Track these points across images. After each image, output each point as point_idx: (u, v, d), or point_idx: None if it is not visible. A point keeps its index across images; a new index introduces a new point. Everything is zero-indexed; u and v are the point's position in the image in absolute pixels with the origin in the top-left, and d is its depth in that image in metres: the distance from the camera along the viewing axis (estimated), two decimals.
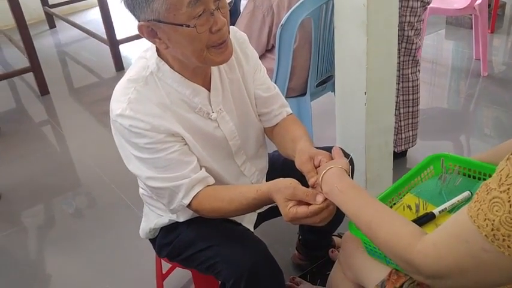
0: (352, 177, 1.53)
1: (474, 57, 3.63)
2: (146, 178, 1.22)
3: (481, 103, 3.19)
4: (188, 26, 1.07)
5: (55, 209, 2.54)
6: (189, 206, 1.24)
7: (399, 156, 2.50)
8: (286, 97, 2.19)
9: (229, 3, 1.17)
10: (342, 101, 1.95)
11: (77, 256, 2.18)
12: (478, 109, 3.14)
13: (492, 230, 0.70)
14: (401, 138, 2.42)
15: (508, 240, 0.69)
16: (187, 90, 1.23)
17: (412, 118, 2.42)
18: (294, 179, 1.13)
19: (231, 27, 1.36)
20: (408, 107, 2.37)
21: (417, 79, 2.34)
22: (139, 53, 1.27)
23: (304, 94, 2.23)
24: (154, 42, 1.16)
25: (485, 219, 0.71)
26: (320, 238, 1.83)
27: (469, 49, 3.78)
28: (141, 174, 1.23)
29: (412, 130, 2.44)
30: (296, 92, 2.22)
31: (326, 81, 2.31)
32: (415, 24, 2.16)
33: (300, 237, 1.90)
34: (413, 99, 2.37)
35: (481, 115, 3.08)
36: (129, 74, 1.22)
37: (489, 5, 3.33)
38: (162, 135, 1.17)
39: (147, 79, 1.20)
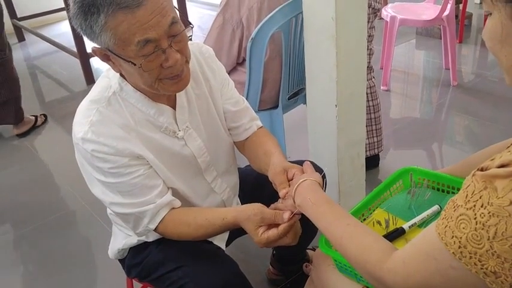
0: (325, 191, 1.54)
1: (444, 67, 3.69)
2: (110, 203, 1.20)
3: (451, 112, 3.23)
4: (134, 64, 1.05)
5: (25, 227, 2.48)
6: (155, 230, 1.23)
7: (371, 167, 2.51)
8: (258, 110, 2.18)
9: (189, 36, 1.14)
10: (314, 113, 1.95)
11: (48, 275, 2.12)
12: (449, 118, 3.18)
13: (459, 247, 0.70)
14: (366, 144, 2.45)
15: (475, 258, 0.69)
16: (152, 109, 1.21)
17: (376, 124, 2.45)
18: (259, 204, 1.14)
19: (196, 42, 1.35)
20: (370, 113, 2.40)
21: (374, 85, 2.39)
22: (103, 72, 1.25)
23: (276, 107, 2.22)
24: (109, 64, 1.13)
25: (453, 236, 0.71)
26: (294, 252, 1.82)
27: (439, 59, 3.84)
28: (105, 199, 1.20)
29: (377, 136, 2.47)
30: (268, 104, 2.21)
31: (298, 94, 2.31)
32: (368, 30, 2.20)
33: (274, 252, 1.88)
34: (373, 105, 2.40)
35: (452, 124, 3.12)
36: (91, 95, 1.19)
37: (456, 16, 3.40)
38: (126, 159, 1.15)
39: (109, 99, 1.17)
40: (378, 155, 2.57)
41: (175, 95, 1.25)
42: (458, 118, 3.16)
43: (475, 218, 0.68)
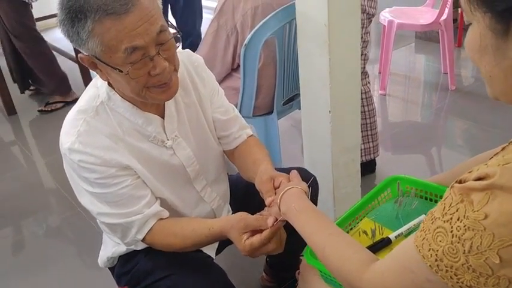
0: (317, 198, 1.54)
1: (442, 71, 3.68)
2: (98, 214, 1.20)
3: (450, 117, 3.22)
4: (121, 71, 1.04)
5: (21, 232, 2.48)
6: (143, 240, 1.23)
7: (368, 173, 2.51)
8: (253, 116, 2.18)
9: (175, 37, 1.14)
10: (308, 119, 1.95)
11: (44, 281, 2.12)
12: (447, 123, 3.17)
13: (436, 260, 0.70)
14: (361, 150, 2.44)
15: (451, 271, 0.68)
16: (140, 119, 1.20)
17: (371, 130, 2.44)
18: (243, 212, 1.15)
19: (186, 51, 1.35)
20: (365, 118, 2.40)
21: (369, 90, 2.39)
22: (92, 81, 1.25)
23: (271, 112, 2.22)
24: (96, 72, 1.13)
25: (430, 249, 0.71)
26: (287, 259, 1.81)
27: (438, 63, 3.83)
28: (93, 209, 1.20)
29: (373, 141, 2.47)
30: (263, 110, 2.21)
31: (293, 99, 2.31)
32: (363, 36, 2.21)
33: (268, 259, 1.88)
34: (368, 111, 2.40)
35: (450, 129, 3.11)
36: (79, 104, 1.19)
37: (455, 20, 3.39)
38: (113, 169, 1.15)
39: (97, 109, 1.17)
40: (374, 160, 2.56)
41: (164, 104, 1.25)
42: (457, 123, 3.15)
43: (451, 231, 0.68)
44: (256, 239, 1.08)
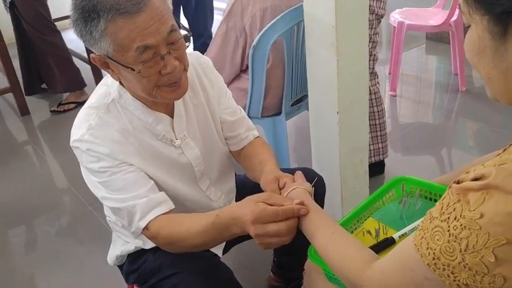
0: (323, 198, 1.55)
1: (453, 72, 3.66)
2: (102, 198, 1.20)
3: (460, 118, 3.21)
4: (133, 70, 1.07)
5: (33, 231, 2.52)
6: (147, 230, 1.18)
7: (377, 173, 2.51)
8: (261, 116, 2.20)
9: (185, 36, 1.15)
10: (316, 120, 1.96)
11: (55, 278, 2.15)
12: (457, 124, 3.16)
13: (433, 259, 0.71)
14: (370, 150, 2.44)
15: (448, 270, 0.69)
16: (150, 118, 1.23)
17: (380, 130, 2.44)
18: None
19: (195, 52, 1.37)
20: (374, 119, 2.40)
21: (378, 91, 2.39)
22: (102, 79, 1.27)
23: (279, 113, 2.23)
24: (108, 72, 1.16)
25: (428, 247, 0.72)
26: (295, 259, 1.81)
27: (448, 64, 3.81)
28: (100, 195, 1.20)
29: (382, 142, 2.47)
30: (271, 111, 2.23)
31: (302, 100, 2.32)
32: (371, 36, 2.21)
33: (275, 258, 1.89)
34: (378, 111, 2.40)
35: (460, 130, 3.10)
36: (90, 101, 1.22)
37: None
38: (117, 161, 1.17)
39: (108, 106, 1.20)
40: (383, 161, 2.56)
41: (174, 104, 1.27)
42: (467, 124, 3.14)
43: (448, 230, 0.69)
44: (271, 208, 1.01)
